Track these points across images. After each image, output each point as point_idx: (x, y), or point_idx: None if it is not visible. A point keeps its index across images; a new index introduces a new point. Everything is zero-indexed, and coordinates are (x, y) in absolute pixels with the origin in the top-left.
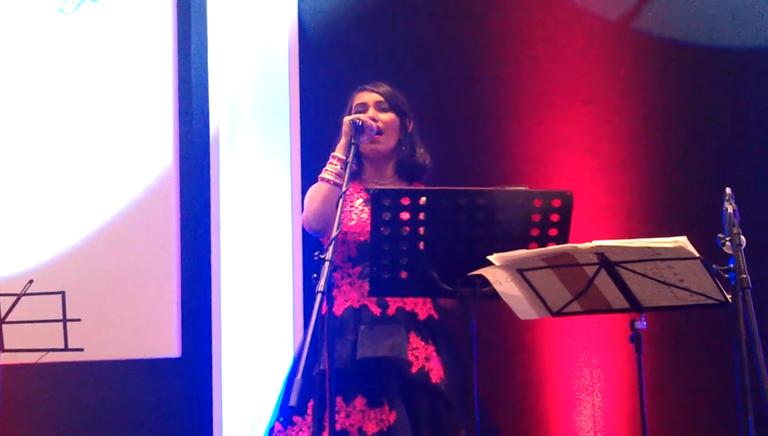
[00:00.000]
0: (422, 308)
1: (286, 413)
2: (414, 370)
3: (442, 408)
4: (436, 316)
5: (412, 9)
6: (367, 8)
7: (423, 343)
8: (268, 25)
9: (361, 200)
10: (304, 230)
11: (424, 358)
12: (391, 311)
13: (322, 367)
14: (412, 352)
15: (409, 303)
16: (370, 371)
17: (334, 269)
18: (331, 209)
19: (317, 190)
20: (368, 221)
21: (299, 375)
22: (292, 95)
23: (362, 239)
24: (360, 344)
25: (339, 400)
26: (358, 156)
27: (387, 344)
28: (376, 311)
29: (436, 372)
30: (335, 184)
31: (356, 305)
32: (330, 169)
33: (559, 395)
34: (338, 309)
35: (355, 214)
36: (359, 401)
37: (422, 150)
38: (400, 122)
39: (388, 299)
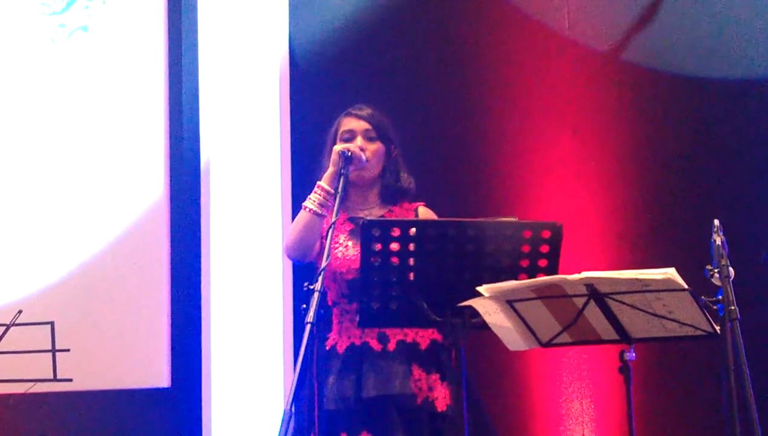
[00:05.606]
0: (423, 336)
1: None
2: (419, 401)
3: (447, 433)
4: (440, 339)
5: (401, 36)
6: (357, 36)
7: (425, 374)
8: (259, 54)
9: (345, 235)
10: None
11: (427, 388)
12: (391, 345)
13: (328, 406)
14: (415, 384)
15: (410, 334)
16: (375, 408)
17: (333, 305)
18: (309, 238)
19: (298, 218)
20: (353, 258)
21: (287, 407)
22: (283, 124)
23: (350, 276)
24: (364, 383)
25: None
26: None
27: (390, 382)
28: (377, 346)
29: (442, 400)
30: (316, 213)
31: (358, 342)
32: (313, 198)
33: (549, 425)
34: (341, 347)
35: (340, 251)
36: None
37: (406, 175)
38: (385, 150)
39: (387, 332)
